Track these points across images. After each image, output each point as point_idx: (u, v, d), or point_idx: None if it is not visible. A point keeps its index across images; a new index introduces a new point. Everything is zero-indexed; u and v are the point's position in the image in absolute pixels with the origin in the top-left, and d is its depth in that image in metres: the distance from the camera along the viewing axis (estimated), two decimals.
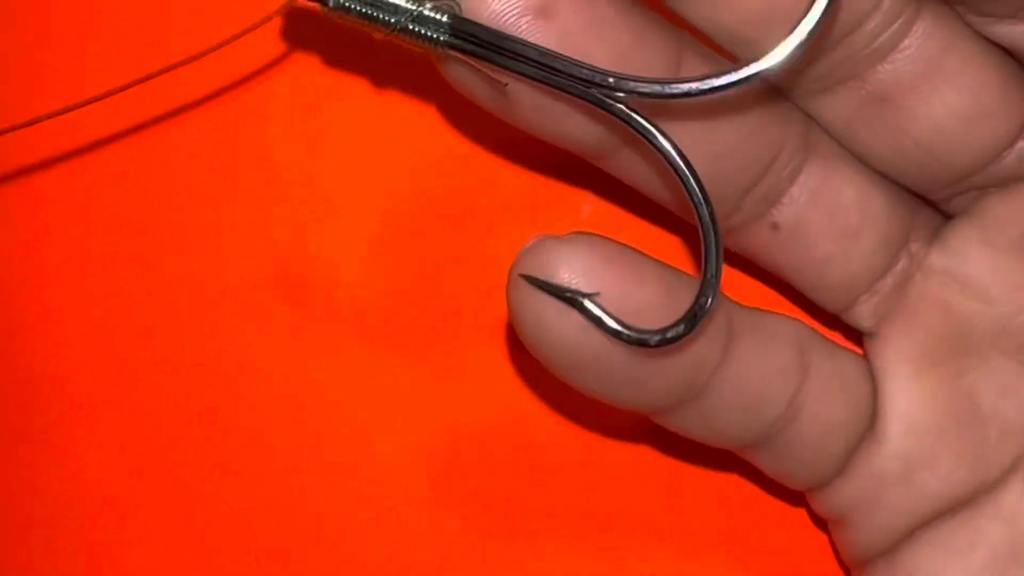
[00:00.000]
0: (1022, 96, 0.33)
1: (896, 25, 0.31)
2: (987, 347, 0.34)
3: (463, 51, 0.29)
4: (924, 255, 0.34)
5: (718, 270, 0.30)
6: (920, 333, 0.34)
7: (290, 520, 0.39)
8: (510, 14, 0.29)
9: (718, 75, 0.29)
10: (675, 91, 0.29)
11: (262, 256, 0.38)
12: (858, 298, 0.34)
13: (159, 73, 0.32)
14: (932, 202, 0.35)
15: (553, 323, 0.30)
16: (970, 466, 0.34)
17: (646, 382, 0.32)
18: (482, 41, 0.29)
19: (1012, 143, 0.33)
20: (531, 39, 0.30)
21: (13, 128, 0.32)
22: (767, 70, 0.29)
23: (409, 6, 0.29)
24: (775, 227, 0.33)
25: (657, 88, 0.29)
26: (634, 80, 0.29)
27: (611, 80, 0.29)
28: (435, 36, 0.29)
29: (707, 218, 0.29)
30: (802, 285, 0.35)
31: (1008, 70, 0.32)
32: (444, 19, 0.29)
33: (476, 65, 0.30)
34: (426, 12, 0.29)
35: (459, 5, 0.30)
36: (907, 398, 0.34)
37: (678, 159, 0.29)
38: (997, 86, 0.32)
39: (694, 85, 0.29)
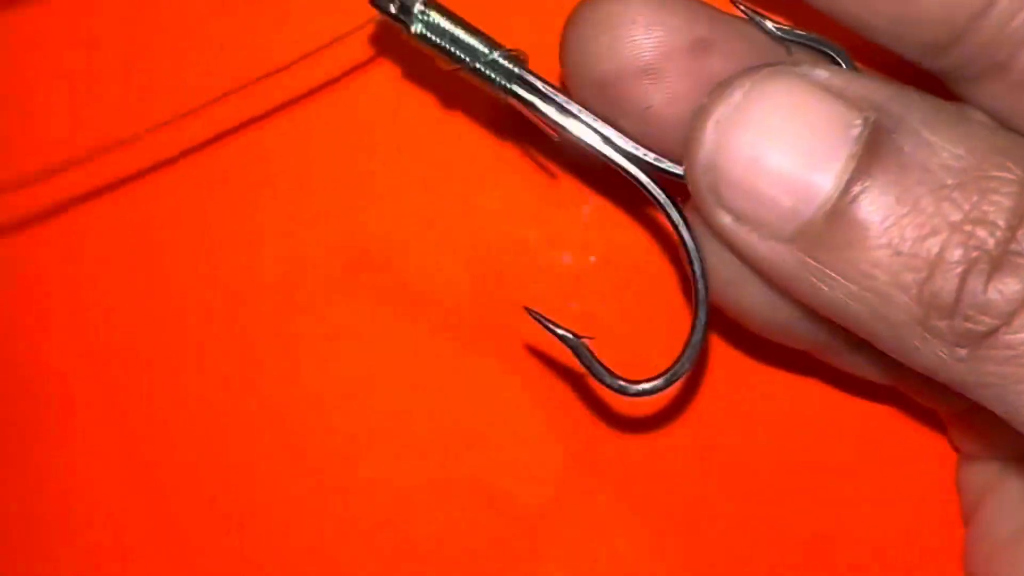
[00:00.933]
0: None
1: None
2: None
3: (521, 100, 0.33)
4: None
5: (701, 340, 0.33)
6: None
7: (287, 519, 0.41)
8: (619, 75, 0.32)
9: None
10: None
11: (260, 263, 0.41)
12: None
13: (253, 82, 0.35)
14: None
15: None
16: None
17: None
18: (541, 94, 0.33)
19: None
20: (641, 99, 0.32)
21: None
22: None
23: (484, 49, 0.33)
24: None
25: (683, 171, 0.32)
26: (668, 160, 0.32)
27: (651, 158, 0.33)
28: (500, 82, 0.33)
29: (701, 291, 0.33)
30: None
31: None
32: (514, 68, 0.33)
33: (529, 115, 0.33)
34: (499, 59, 0.33)
35: (527, 57, 0.33)
36: None
37: (686, 234, 0.33)
38: None
39: None
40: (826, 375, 0.41)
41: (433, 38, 0.33)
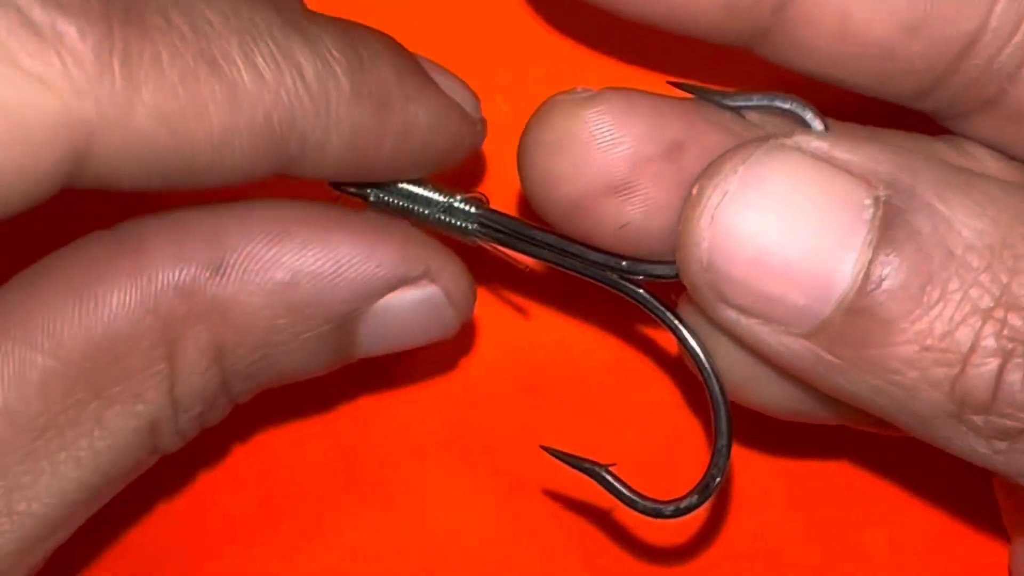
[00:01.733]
0: None
1: (1016, 40, 0.29)
2: None
3: (490, 238, 0.32)
4: None
5: (728, 444, 0.31)
6: None
7: None
8: (586, 197, 0.29)
9: None
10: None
11: None
12: None
13: None
14: None
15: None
16: None
17: None
18: (506, 229, 0.32)
19: None
20: (615, 218, 0.29)
21: None
22: None
23: (440, 199, 0.32)
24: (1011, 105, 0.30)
25: (668, 270, 0.31)
26: (647, 263, 0.31)
27: (624, 264, 0.31)
28: (463, 225, 0.32)
29: (717, 395, 0.31)
30: None
31: None
32: (472, 210, 0.32)
33: (500, 251, 0.32)
34: (456, 204, 0.32)
35: (486, 198, 0.32)
36: None
37: (689, 338, 0.31)
38: None
39: None
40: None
41: (393, 201, 0.32)
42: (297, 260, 0.28)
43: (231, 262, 0.28)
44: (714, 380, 0.31)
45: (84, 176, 0.25)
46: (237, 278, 0.28)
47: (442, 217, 0.32)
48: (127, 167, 0.25)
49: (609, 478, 0.32)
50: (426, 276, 0.30)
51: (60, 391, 0.27)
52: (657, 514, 0.32)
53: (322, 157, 0.27)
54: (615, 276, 0.31)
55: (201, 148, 0.26)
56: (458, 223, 0.32)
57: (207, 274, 0.28)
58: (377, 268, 0.29)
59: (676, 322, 0.31)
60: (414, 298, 0.30)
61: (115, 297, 0.28)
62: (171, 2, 0.26)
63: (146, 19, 0.25)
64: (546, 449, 0.33)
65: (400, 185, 0.32)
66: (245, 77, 0.26)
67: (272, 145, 0.26)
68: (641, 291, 0.31)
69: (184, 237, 0.28)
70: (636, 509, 0.32)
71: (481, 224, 0.32)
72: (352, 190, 0.32)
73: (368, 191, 0.32)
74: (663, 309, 0.31)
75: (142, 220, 0.29)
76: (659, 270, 0.31)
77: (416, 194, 0.32)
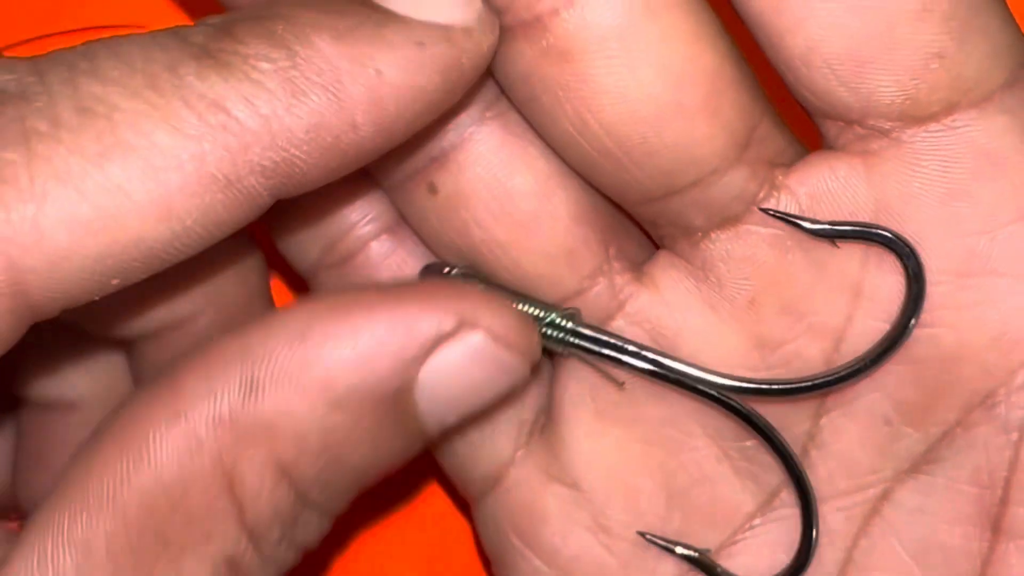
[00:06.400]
0: (746, 100, 0.27)
1: None
2: (687, 419, 0.31)
3: (584, 351, 0.31)
4: (629, 290, 0.31)
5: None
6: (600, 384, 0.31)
7: None
8: None
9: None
10: (796, 386, 0.30)
11: None
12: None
13: None
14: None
15: None
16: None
17: None
18: (602, 344, 0.31)
19: (726, 165, 0.28)
20: None
21: None
22: None
23: (535, 313, 0.30)
24: (432, 189, 0.29)
25: (779, 387, 0.30)
26: (755, 382, 0.30)
27: (725, 381, 0.30)
28: (558, 339, 0.31)
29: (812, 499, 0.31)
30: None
31: (729, 60, 0.27)
32: (568, 325, 0.30)
33: (595, 365, 0.31)
34: (550, 319, 0.30)
35: (579, 312, 0.30)
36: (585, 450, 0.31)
37: (795, 462, 0.31)
38: (704, 72, 0.27)
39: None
40: None
41: None
42: (324, 355, 0.27)
43: (262, 377, 0.26)
44: (812, 493, 0.31)
45: (38, 311, 0.24)
46: (272, 392, 0.26)
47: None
48: (68, 285, 0.24)
49: (713, 565, 0.32)
50: (463, 325, 0.27)
51: (126, 551, 0.26)
52: None
53: (301, 169, 0.25)
54: (715, 392, 0.30)
55: (138, 234, 0.24)
56: (553, 336, 0.31)
57: (241, 397, 0.26)
58: (404, 336, 0.27)
59: (784, 444, 0.31)
60: (459, 352, 0.27)
61: (158, 446, 0.26)
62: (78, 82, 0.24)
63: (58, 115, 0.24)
64: (644, 535, 0.33)
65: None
66: (161, 142, 0.24)
67: (227, 189, 0.25)
68: (746, 408, 0.31)
69: (213, 365, 0.27)
70: None
71: (576, 338, 0.30)
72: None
73: None
74: (770, 428, 0.31)
75: (177, 359, 0.27)
76: (765, 386, 0.30)
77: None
